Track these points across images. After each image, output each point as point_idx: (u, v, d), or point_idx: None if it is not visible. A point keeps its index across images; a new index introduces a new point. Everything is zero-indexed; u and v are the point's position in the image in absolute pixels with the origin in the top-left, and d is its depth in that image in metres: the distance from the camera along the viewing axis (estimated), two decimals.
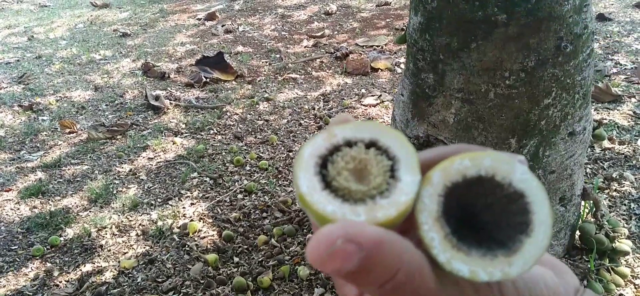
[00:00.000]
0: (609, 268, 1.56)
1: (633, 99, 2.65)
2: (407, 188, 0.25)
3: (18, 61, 4.22)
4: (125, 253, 1.89)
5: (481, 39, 1.21)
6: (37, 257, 1.89)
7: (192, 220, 2.02)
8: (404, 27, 4.11)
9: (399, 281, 0.23)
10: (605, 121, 2.45)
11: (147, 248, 1.90)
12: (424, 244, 0.25)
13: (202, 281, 1.70)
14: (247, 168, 2.39)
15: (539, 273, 0.29)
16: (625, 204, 1.88)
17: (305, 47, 4.11)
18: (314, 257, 0.22)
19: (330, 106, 2.99)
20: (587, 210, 1.71)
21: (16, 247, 1.96)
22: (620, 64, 3.14)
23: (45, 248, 1.93)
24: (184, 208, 2.12)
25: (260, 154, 2.49)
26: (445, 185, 0.26)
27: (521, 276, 0.27)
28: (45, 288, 1.75)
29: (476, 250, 0.24)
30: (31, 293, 1.73)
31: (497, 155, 0.26)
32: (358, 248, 0.22)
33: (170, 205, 2.14)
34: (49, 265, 1.85)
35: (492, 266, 0.24)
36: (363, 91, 3.16)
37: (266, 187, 2.22)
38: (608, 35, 3.63)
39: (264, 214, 2.03)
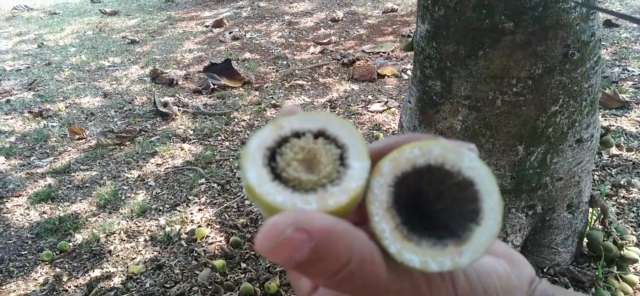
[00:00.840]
0: (617, 275, 1.56)
1: None
2: (356, 175, 0.25)
3: (28, 67, 4.27)
4: (133, 258, 1.90)
5: (488, 47, 1.21)
6: (47, 262, 1.91)
7: (199, 226, 2.03)
8: (411, 34, 4.13)
9: (350, 271, 0.22)
10: (612, 128, 2.44)
11: (155, 253, 1.91)
12: (375, 235, 0.24)
13: (209, 287, 1.71)
14: None
15: (492, 264, 0.28)
16: (633, 212, 1.87)
17: (312, 53, 4.13)
18: (262, 246, 0.21)
19: (337, 112, 3.00)
20: (594, 217, 1.71)
21: (26, 252, 1.98)
22: (628, 71, 3.13)
23: (54, 253, 1.95)
24: (191, 213, 2.13)
25: None
26: (395, 175, 0.25)
27: (473, 267, 0.27)
28: (55, 293, 1.76)
29: (427, 240, 0.24)
30: None
31: (446, 144, 0.26)
32: (308, 237, 0.21)
33: (178, 211, 2.16)
34: (58, 270, 1.87)
35: (442, 256, 0.24)
36: (370, 97, 3.16)
37: None
38: (616, 42, 3.62)
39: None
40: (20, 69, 4.23)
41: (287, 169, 0.25)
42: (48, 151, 2.79)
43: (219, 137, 2.79)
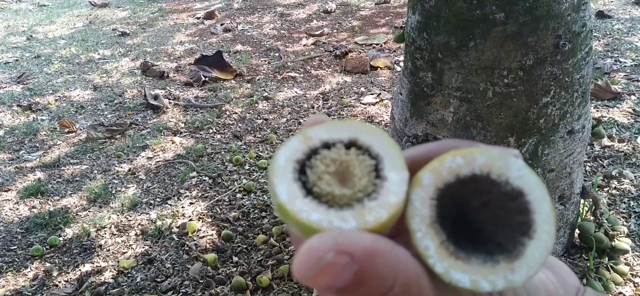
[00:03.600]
0: (609, 266, 1.56)
1: (633, 97, 2.65)
2: (395, 187, 0.23)
3: (17, 60, 4.22)
4: (124, 252, 1.89)
5: (479, 38, 1.21)
6: (37, 257, 1.89)
7: (191, 220, 2.02)
8: (403, 25, 4.11)
9: (395, 295, 0.21)
10: (604, 119, 2.44)
11: (146, 247, 1.90)
12: (419, 253, 0.23)
13: (201, 281, 1.70)
14: (246, 167, 2.39)
15: (540, 278, 0.27)
16: (624, 202, 1.88)
17: (304, 45, 4.10)
18: (302, 273, 0.20)
19: (329, 104, 2.98)
20: (586, 208, 1.71)
21: (15, 247, 1.96)
22: (621, 62, 3.13)
23: (44, 248, 1.93)
24: (183, 207, 2.12)
25: (260, 153, 2.49)
26: (437, 187, 0.23)
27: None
28: (45, 288, 1.75)
29: (476, 257, 0.22)
30: (30, 293, 1.73)
31: (490, 151, 0.24)
32: (351, 260, 0.20)
33: (169, 205, 2.14)
34: (48, 265, 1.85)
35: (493, 274, 0.22)
36: (362, 89, 3.15)
37: (265, 186, 2.21)
38: (608, 33, 3.62)
39: (263, 214, 2.03)
40: (8, 62, 4.17)
41: (318, 183, 0.24)
42: (37, 144, 2.76)
43: (211, 130, 2.77)
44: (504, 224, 0.24)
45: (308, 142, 0.25)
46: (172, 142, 2.66)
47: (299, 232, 0.23)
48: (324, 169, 0.24)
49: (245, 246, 1.86)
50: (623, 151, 2.19)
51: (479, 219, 0.25)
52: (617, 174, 2.01)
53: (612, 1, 4.39)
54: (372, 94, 3.05)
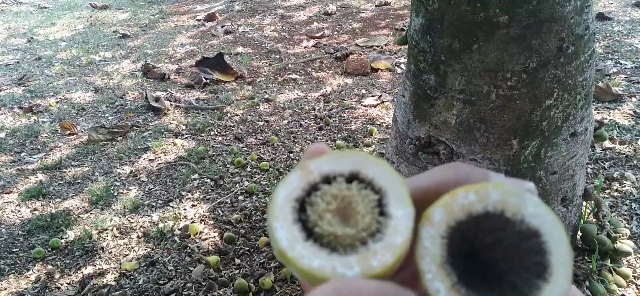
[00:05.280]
0: (611, 268, 1.56)
1: (633, 99, 2.65)
2: (400, 225, 0.23)
3: (18, 62, 4.22)
4: (126, 255, 1.88)
5: (483, 41, 1.21)
6: (38, 260, 1.89)
7: (193, 222, 2.02)
8: (405, 28, 4.12)
9: None
10: (605, 121, 2.45)
11: (149, 250, 1.90)
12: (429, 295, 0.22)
13: (203, 283, 1.70)
14: (248, 169, 2.39)
15: None
16: (626, 205, 1.88)
17: (305, 47, 4.11)
18: None
19: (330, 106, 2.99)
20: (588, 211, 1.71)
21: (17, 250, 1.96)
22: (621, 64, 3.14)
23: (46, 251, 1.93)
24: (185, 209, 2.12)
25: (261, 155, 2.49)
26: (449, 225, 0.23)
27: None
28: (47, 290, 1.75)
29: None
30: None
31: (504, 186, 0.23)
32: None
33: (171, 207, 2.14)
34: (50, 267, 1.85)
35: None
36: (363, 91, 3.15)
37: (267, 188, 2.21)
38: (608, 35, 3.63)
39: (265, 216, 2.03)
40: (9, 64, 4.17)
41: (319, 223, 0.23)
42: (39, 147, 2.76)
43: (212, 132, 2.77)
44: (518, 264, 0.23)
45: (308, 178, 0.24)
46: (174, 144, 2.66)
47: (302, 278, 0.23)
48: (325, 207, 0.23)
49: (247, 248, 1.86)
50: (624, 153, 2.20)
51: (492, 257, 0.24)
52: (618, 176, 2.01)
53: (612, 3, 4.40)
54: (373, 96, 3.06)
